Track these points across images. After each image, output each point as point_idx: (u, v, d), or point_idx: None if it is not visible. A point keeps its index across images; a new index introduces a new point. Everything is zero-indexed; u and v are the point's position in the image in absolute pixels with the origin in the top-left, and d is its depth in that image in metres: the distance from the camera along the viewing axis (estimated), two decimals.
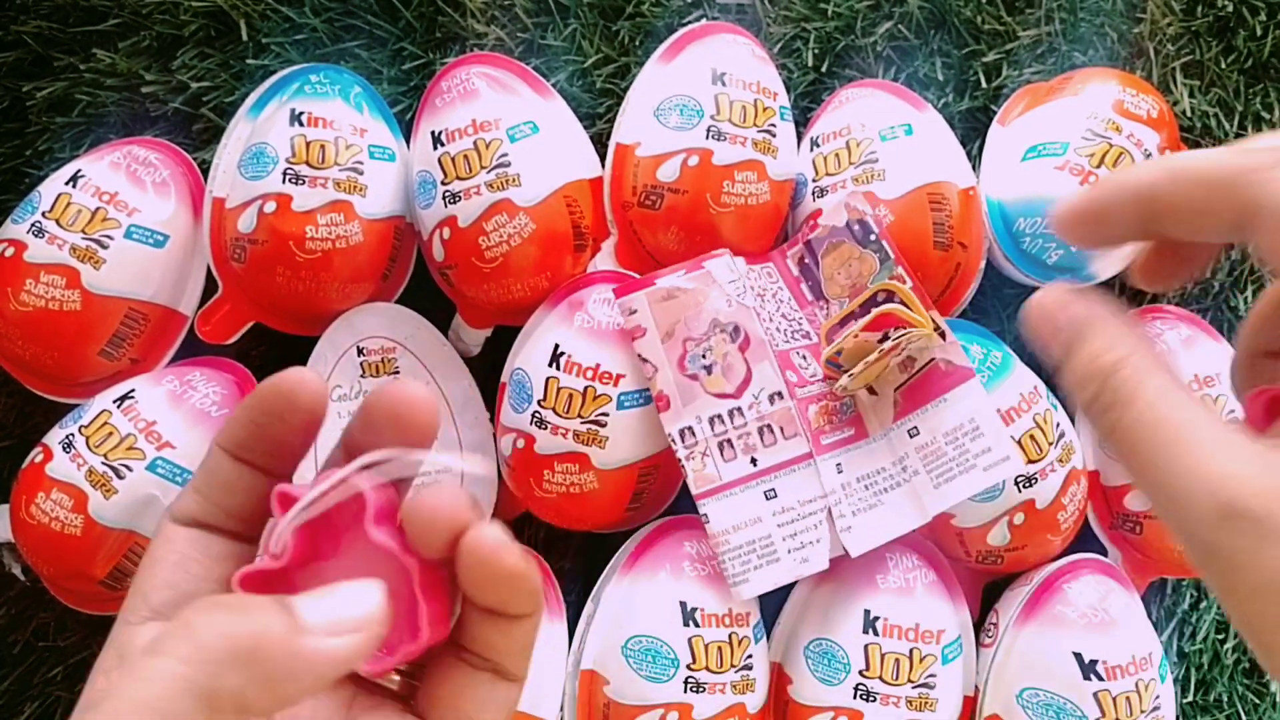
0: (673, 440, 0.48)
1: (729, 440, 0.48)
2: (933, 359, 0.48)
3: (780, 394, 0.48)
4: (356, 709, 0.25)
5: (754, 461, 0.48)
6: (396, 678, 0.26)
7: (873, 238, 0.49)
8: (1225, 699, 0.55)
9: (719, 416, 0.48)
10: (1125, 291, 0.56)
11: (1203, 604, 0.55)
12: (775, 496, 0.47)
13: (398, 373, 0.52)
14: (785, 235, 0.54)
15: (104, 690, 0.21)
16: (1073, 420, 0.53)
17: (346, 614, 0.22)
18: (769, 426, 0.48)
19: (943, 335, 0.48)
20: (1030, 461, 0.48)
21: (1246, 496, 0.20)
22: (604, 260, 0.52)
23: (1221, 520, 0.20)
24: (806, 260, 0.52)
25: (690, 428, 0.48)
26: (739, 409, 0.48)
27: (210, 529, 0.26)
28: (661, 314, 0.48)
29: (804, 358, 0.49)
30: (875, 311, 0.47)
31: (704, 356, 0.48)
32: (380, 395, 0.24)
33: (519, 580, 0.24)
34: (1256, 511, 0.19)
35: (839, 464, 0.48)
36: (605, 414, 0.48)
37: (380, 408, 0.24)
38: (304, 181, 0.49)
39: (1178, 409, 0.21)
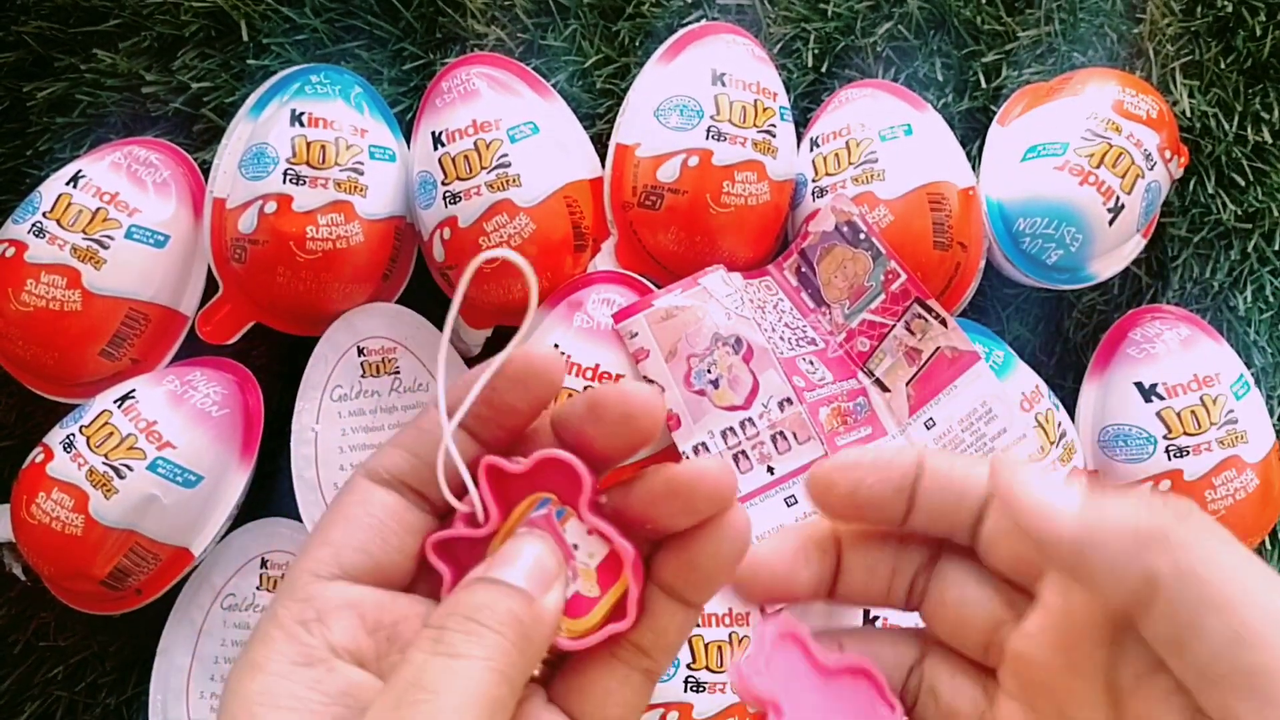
0: (687, 457, 0.48)
1: (743, 451, 0.48)
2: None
3: (790, 400, 0.48)
4: None
5: (771, 470, 0.48)
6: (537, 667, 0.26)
7: (862, 236, 0.49)
8: None
9: (731, 429, 0.48)
10: (1124, 292, 0.56)
11: None
12: (796, 503, 0.48)
13: (398, 373, 0.52)
14: (786, 236, 0.54)
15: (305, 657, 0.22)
16: (1073, 419, 0.53)
17: (545, 567, 0.23)
18: (781, 433, 0.48)
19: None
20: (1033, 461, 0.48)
21: None
22: (604, 260, 0.52)
23: None
24: (803, 269, 0.52)
25: (704, 444, 0.48)
26: (750, 419, 0.48)
27: (410, 491, 0.25)
28: (662, 334, 0.48)
29: (811, 363, 0.50)
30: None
31: (709, 371, 0.48)
32: (612, 396, 0.24)
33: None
34: None
35: None
36: None
37: (609, 406, 0.24)
38: (304, 182, 0.49)
39: None
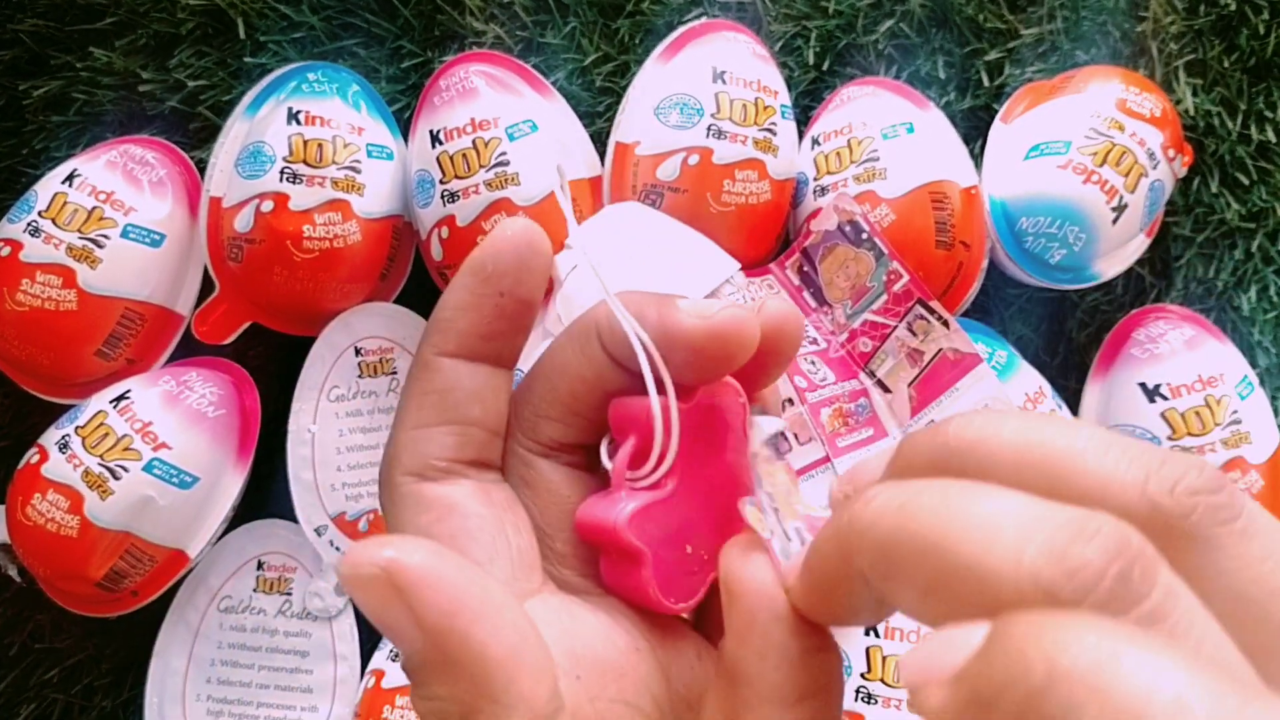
0: None
1: None
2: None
3: (790, 400, 0.48)
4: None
5: None
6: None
7: (865, 236, 0.49)
8: None
9: None
10: (1128, 292, 0.56)
11: None
12: None
13: (395, 373, 0.51)
14: (786, 235, 0.54)
15: None
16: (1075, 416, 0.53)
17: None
18: (782, 434, 0.47)
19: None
20: None
21: None
22: None
23: None
24: (805, 268, 0.51)
25: None
26: None
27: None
28: None
29: (812, 363, 0.49)
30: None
31: None
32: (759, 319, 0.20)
33: None
34: None
35: None
36: None
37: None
38: (301, 180, 0.48)
39: None
